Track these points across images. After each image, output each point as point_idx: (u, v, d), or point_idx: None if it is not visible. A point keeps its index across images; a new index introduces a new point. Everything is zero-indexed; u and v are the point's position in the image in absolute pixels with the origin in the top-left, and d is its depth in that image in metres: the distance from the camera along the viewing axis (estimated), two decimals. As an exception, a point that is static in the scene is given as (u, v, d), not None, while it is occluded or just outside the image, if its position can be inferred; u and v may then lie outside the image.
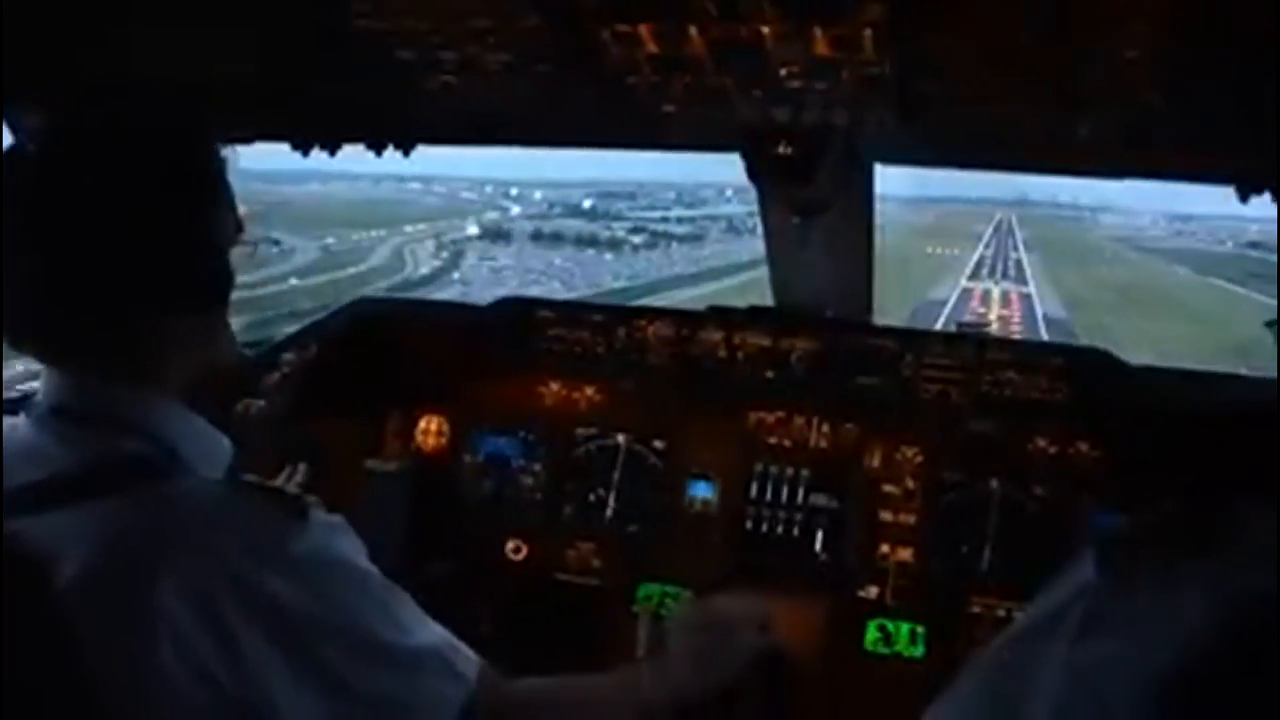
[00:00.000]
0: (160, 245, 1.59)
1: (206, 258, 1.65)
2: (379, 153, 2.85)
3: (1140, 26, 1.64)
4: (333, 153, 2.80)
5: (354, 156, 2.82)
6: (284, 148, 2.81)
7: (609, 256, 71.32)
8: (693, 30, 1.80)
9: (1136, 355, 3.30)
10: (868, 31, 1.74)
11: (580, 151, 3.18)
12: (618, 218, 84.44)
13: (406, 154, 2.89)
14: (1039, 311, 50.16)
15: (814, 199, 2.89)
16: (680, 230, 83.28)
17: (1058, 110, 2.03)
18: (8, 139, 2.43)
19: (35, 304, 1.58)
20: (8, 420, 1.65)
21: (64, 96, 2.28)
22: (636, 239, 77.03)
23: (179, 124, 1.70)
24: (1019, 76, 1.88)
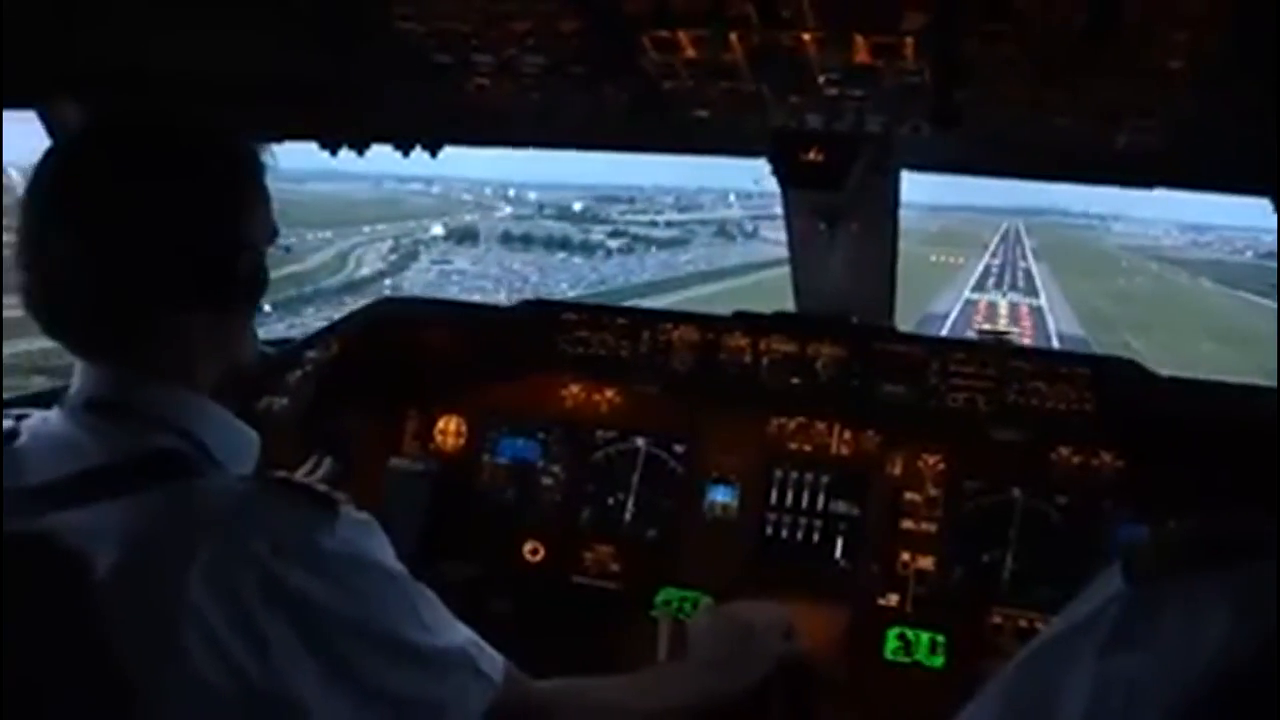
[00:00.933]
0: (198, 243, 1.60)
1: (243, 257, 1.66)
2: (406, 153, 2.85)
3: (1182, 36, 1.64)
4: (361, 153, 2.82)
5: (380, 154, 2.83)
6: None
7: (578, 260, 69.12)
8: (733, 36, 1.80)
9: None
10: (909, 39, 1.74)
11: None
12: (604, 221, 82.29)
13: (434, 155, 2.89)
14: (1052, 327, 46.39)
15: (842, 205, 2.89)
16: (665, 234, 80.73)
17: (1096, 119, 2.02)
18: (8, 142, 2.46)
19: (72, 297, 1.59)
20: (41, 414, 1.66)
21: (100, 94, 2.29)
22: (614, 243, 75.13)
23: (221, 123, 1.71)
24: (1059, 85, 1.87)
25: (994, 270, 76.32)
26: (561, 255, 70.96)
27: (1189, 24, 1.60)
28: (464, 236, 72.85)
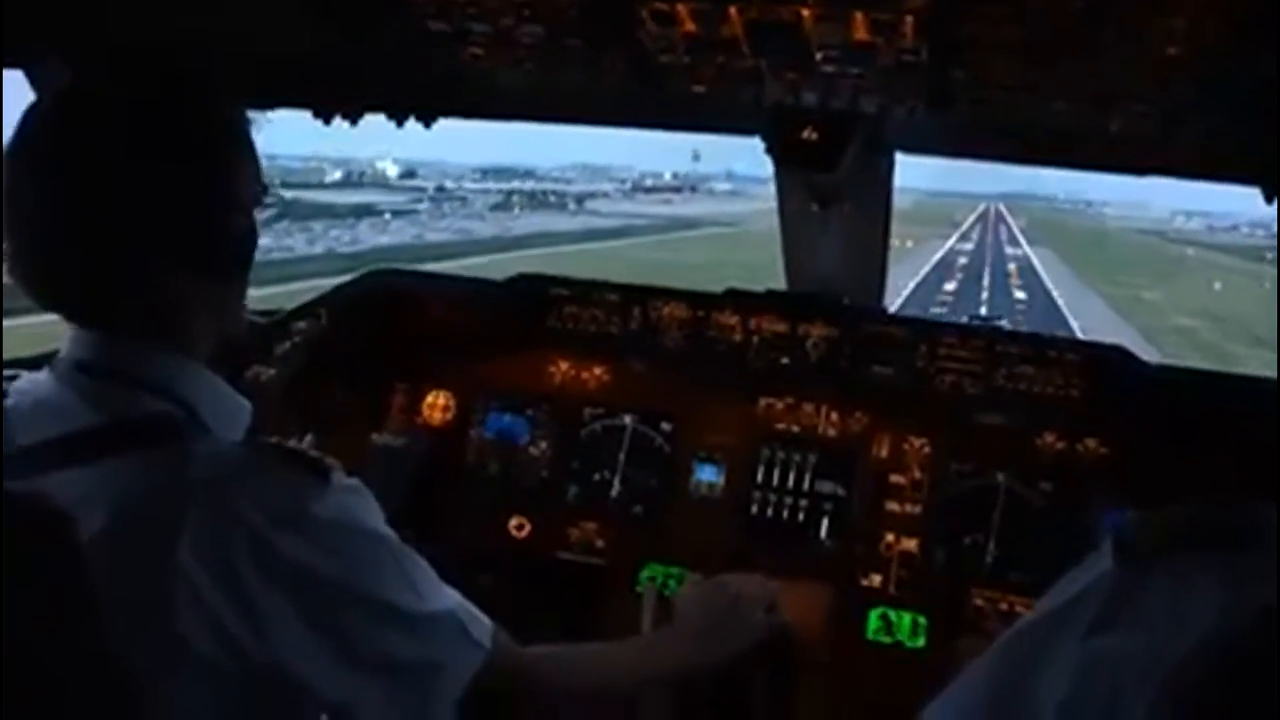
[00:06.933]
0: (186, 207, 1.59)
1: (234, 220, 1.65)
2: (400, 123, 2.83)
3: (1180, 21, 1.64)
4: (354, 122, 2.79)
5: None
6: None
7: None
8: (732, 10, 1.79)
9: None
10: (909, 17, 1.73)
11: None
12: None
13: (428, 126, 2.87)
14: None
15: (835, 186, 2.88)
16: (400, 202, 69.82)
17: (1090, 103, 2.02)
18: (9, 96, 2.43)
19: (63, 261, 1.57)
20: (30, 376, 1.65)
21: (87, 56, 2.26)
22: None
23: (206, 85, 1.69)
24: (1055, 67, 1.87)
25: (961, 261, 50.54)
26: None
27: (1187, 9, 1.60)
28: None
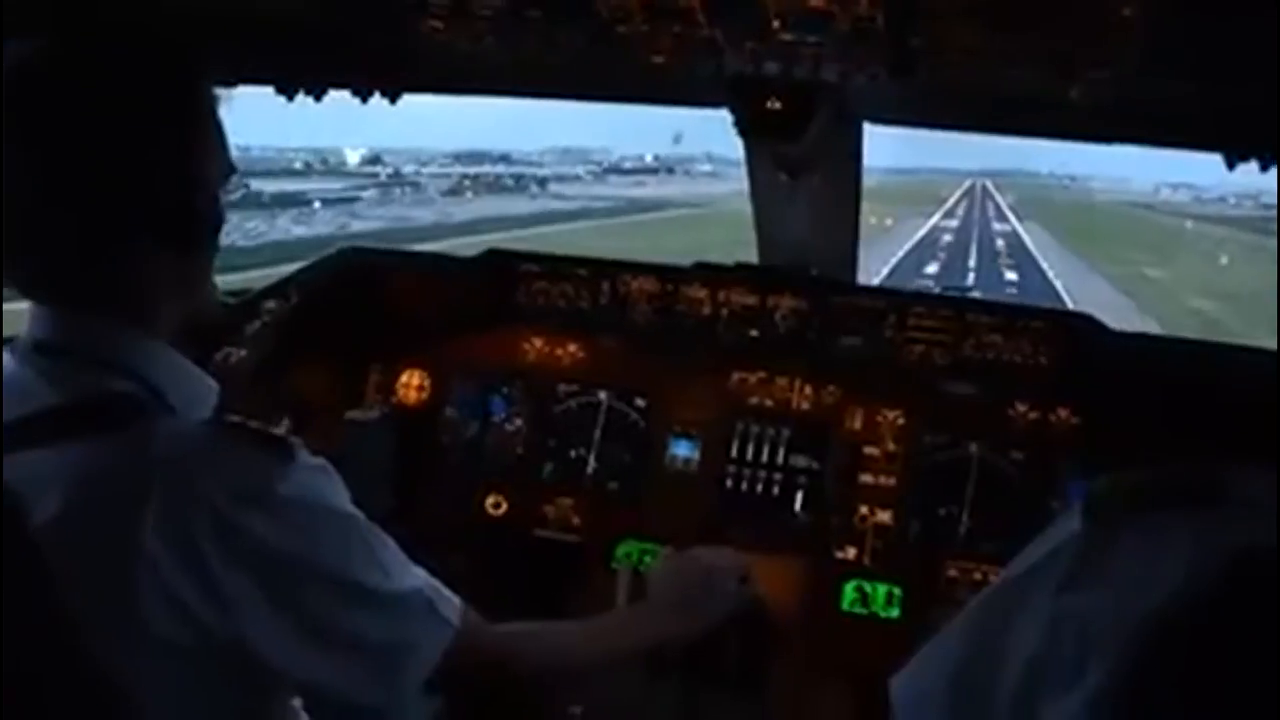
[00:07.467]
0: (152, 179, 1.55)
1: (198, 195, 1.62)
2: (365, 99, 2.81)
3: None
4: (318, 98, 2.76)
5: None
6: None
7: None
8: (687, -23, 1.79)
9: None
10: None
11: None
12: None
13: (393, 102, 2.85)
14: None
15: (802, 157, 2.88)
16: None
17: (1050, 69, 2.02)
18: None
19: (22, 236, 1.55)
20: None
21: (47, 24, 2.24)
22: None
23: (173, 55, 1.66)
24: (1012, 33, 1.87)
25: (945, 239, 47.74)
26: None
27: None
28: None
